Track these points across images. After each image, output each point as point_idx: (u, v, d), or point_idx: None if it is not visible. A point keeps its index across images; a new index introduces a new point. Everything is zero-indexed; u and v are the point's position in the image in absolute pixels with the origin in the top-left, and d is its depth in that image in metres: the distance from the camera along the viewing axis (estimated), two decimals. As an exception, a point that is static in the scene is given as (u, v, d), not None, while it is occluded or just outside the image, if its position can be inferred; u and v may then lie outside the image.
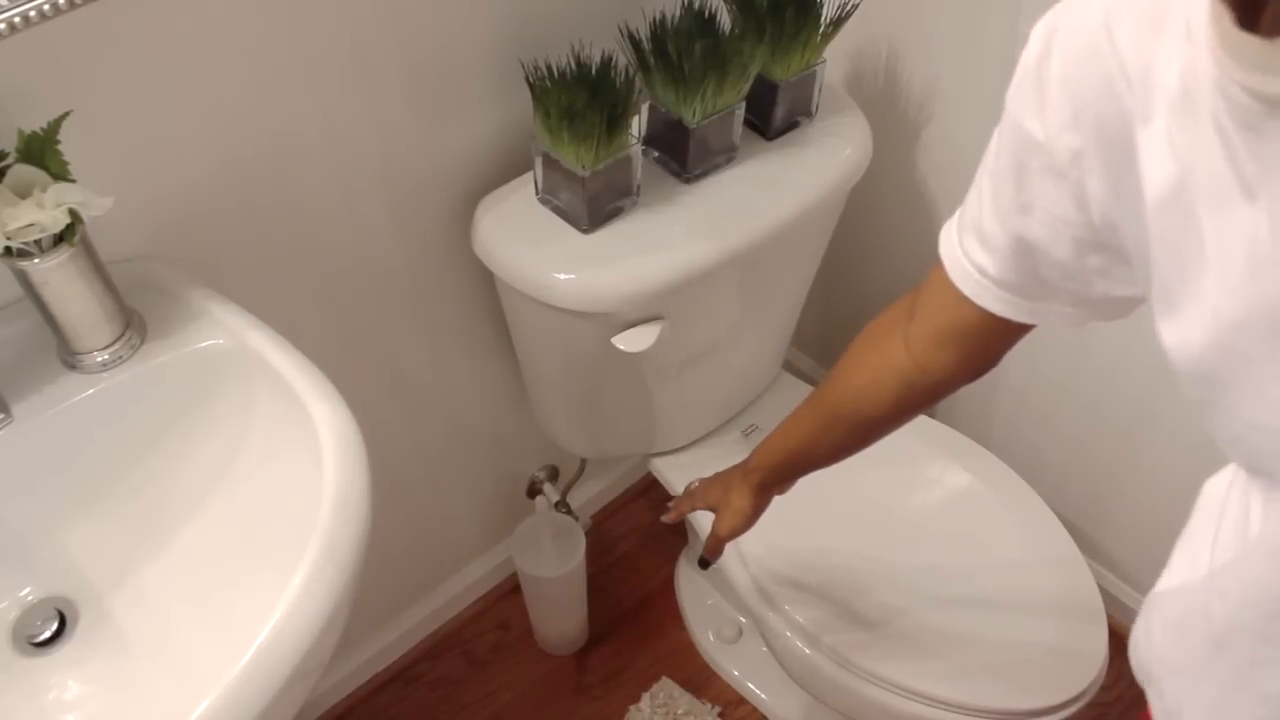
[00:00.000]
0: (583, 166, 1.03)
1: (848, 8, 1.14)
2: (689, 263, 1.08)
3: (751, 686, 1.51)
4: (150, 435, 0.83)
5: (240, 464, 0.83)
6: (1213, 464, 1.44)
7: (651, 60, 1.07)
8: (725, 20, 1.12)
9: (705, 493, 1.07)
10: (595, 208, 1.07)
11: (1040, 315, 0.66)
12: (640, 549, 1.70)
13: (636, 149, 1.07)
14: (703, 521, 1.30)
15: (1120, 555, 1.51)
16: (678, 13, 1.09)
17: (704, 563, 1.10)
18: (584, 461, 1.52)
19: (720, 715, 1.51)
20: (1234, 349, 0.47)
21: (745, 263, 1.13)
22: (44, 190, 0.74)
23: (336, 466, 0.75)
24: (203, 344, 0.84)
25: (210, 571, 0.80)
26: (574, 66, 1.02)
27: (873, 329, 0.83)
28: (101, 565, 0.81)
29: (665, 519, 1.16)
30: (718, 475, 1.06)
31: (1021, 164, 0.58)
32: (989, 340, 0.71)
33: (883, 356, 0.79)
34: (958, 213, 0.68)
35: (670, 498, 1.38)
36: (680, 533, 1.64)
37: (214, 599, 0.79)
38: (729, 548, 1.24)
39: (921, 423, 1.36)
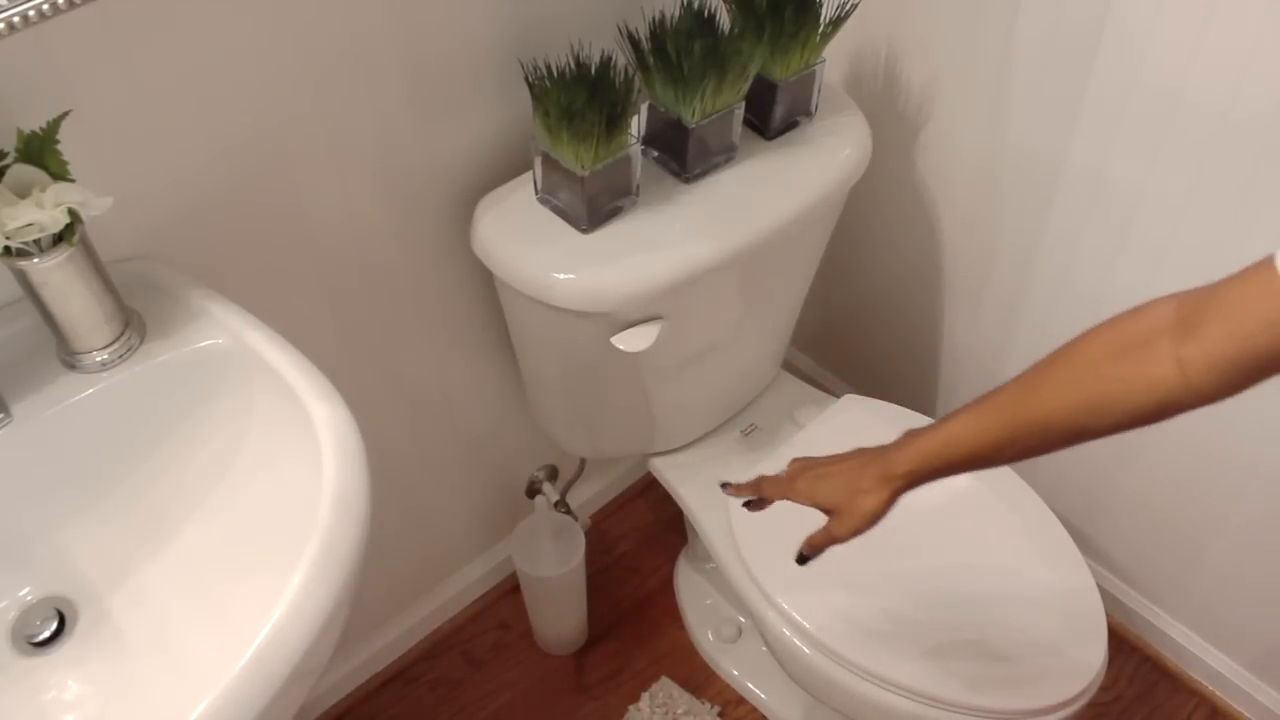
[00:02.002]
0: (582, 166, 1.03)
1: (847, 8, 1.14)
2: (688, 263, 1.08)
3: (751, 686, 1.51)
4: (149, 435, 0.83)
5: (240, 464, 0.83)
6: (1211, 464, 1.44)
7: (651, 60, 1.07)
8: (724, 20, 1.12)
9: (814, 491, 0.95)
10: (594, 207, 1.07)
11: None
12: (639, 549, 1.70)
13: (636, 149, 1.07)
14: (704, 522, 1.31)
15: (1120, 555, 1.51)
16: (677, 12, 1.09)
17: (803, 559, 0.99)
18: (583, 461, 1.52)
19: (720, 715, 1.51)
20: None
21: (745, 263, 1.13)
22: (43, 190, 0.74)
23: (336, 466, 0.75)
24: (202, 343, 0.84)
25: (210, 571, 0.80)
26: (573, 66, 1.02)
27: (1113, 341, 0.74)
28: (101, 565, 0.81)
29: (730, 493, 1.04)
30: (836, 474, 0.94)
31: None
32: None
33: (1140, 373, 0.71)
34: None
35: (669, 497, 1.39)
36: (679, 532, 1.64)
37: (213, 598, 0.79)
38: (728, 548, 1.25)
39: (919, 423, 1.36)
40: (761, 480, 1.01)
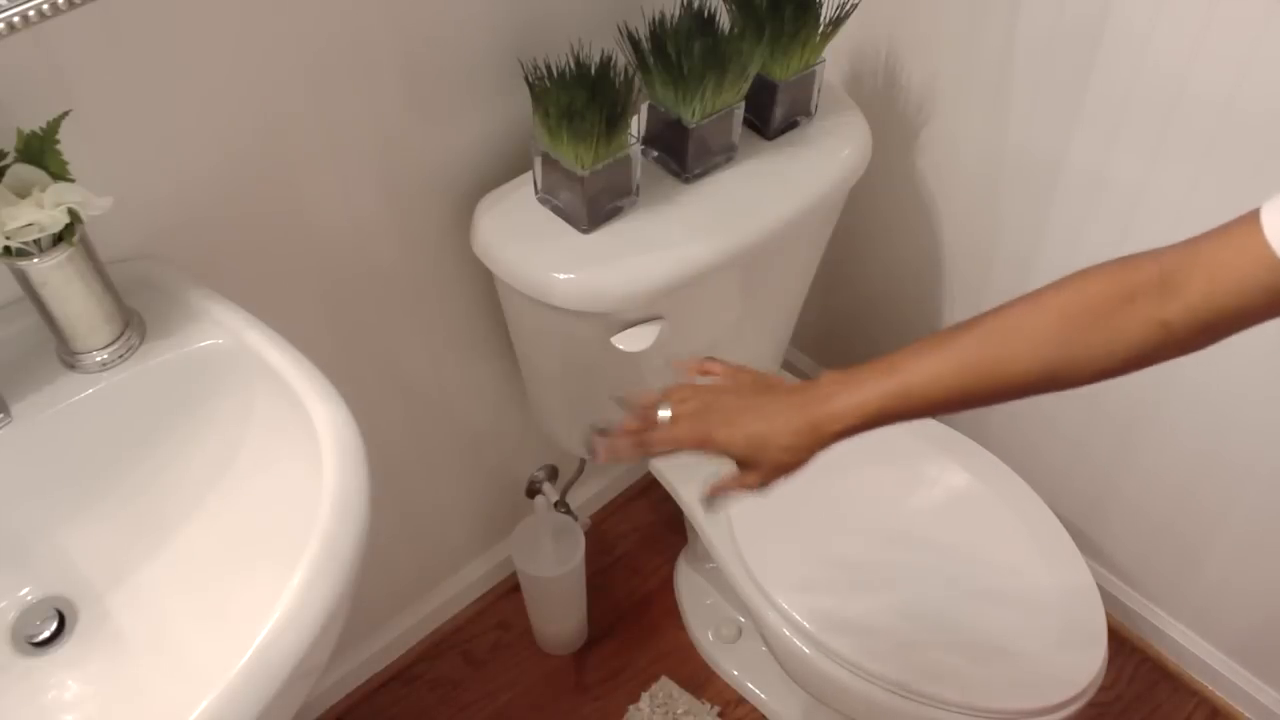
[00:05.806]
0: (582, 166, 1.03)
1: (847, 7, 1.14)
2: (688, 263, 1.08)
3: (751, 686, 1.51)
4: (149, 435, 0.83)
5: (240, 464, 0.83)
6: (1211, 465, 1.44)
7: (651, 60, 1.07)
8: (724, 20, 1.12)
9: (713, 436, 0.83)
10: (595, 207, 1.07)
11: None
12: (639, 549, 1.70)
13: (636, 149, 1.07)
14: (704, 522, 1.31)
15: (1120, 555, 1.51)
16: (677, 12, 1.09)
17: (710, 505, 0.89)
18: (583, 461, 1.52)
19: (720, 715, 1.51)
20: None
21: (745, 262, 1.13)
22: (43, 190, 0.74)
23: (336, 466, 0.75)
24: (202, 344, 0.84)
25: (210, 571, 0.80)
26: (573, 66, 1.02)
27: (1092, 299, 0.72)
28: (101, 565, 0.81)
29: (603, 451, 0.89)
30: (748, 419, 0.82)
31: None
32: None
33: (1122, 334, 0.71)
34: None
35: (669, 497, 1.39)
36: (679, 532, 1.64)
37: (213, 598, 0.79)
38: (728, 548, 1.24)
39: (920, 421, 1.36)
40: (646, 434, 0.85)
